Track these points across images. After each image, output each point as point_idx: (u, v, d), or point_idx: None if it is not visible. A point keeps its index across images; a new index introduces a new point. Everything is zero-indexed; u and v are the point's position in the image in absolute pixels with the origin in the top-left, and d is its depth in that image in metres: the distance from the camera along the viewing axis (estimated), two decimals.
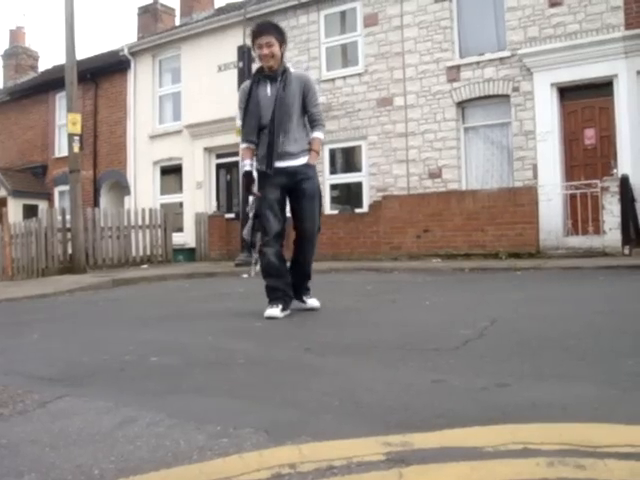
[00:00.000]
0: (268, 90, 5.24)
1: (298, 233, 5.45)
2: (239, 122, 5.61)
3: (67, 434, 2.24)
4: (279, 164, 5.22)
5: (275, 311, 5.11)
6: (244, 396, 2.67)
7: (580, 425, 2.03)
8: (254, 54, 5.50)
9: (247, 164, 5.36)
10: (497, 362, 3.12)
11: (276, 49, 5.21)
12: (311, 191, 5.37)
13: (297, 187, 5.32)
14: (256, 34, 5.27)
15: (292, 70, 5.38)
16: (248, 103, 5.29)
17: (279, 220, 5.30)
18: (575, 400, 2.37)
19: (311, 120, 5.41)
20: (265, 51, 5.18)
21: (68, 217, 13.86)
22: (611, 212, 11.36)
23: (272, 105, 5.19)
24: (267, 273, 5.32)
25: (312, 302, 5.50)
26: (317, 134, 5.43)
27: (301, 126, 5.37)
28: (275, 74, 5.25)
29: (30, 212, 19.94)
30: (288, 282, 5.35)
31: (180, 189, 19.56)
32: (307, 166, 5.34)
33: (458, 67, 14.60)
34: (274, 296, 5.24)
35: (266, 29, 5.29)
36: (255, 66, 5.87)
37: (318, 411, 2.38)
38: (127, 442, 2.11)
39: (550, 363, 3.05)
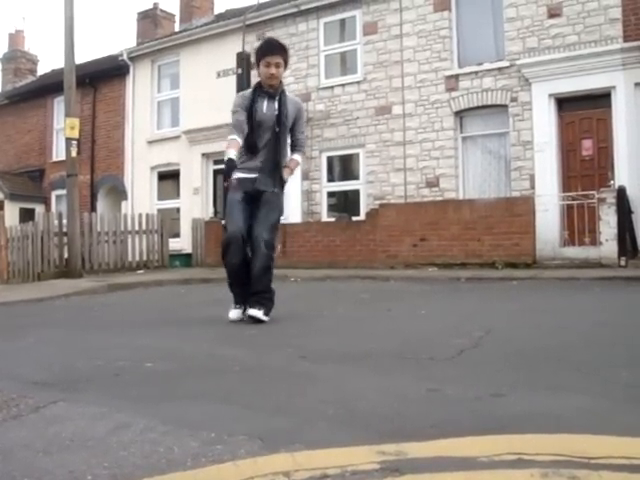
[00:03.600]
0: (265, 107, 5.37)
1: (252, 239, 5.37)
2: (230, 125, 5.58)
3: (60, 439, 2.23)
4: (249, 175, 5.36)
5: (237, 313, 5.41)
6: (239, 403, 2.67)
7: (574, 436, 2.03)
8: (257, 70, 5.51)
9: (232, 153, 5.30)
10: (492, 372, 3.12)
11: (282, 70, 5.38)
12: (273, 202, 5.43)
13: (259, 196, 5.39)
14: (268, 51, 5.36)
15: (287, 93, 5.57)
16: (250, 112, 5.34)
17: (245, 225, 5.34)
18: (570, 411, 2.37)
19: (295, 144, 5.64)
20: (273, 70, 5.30)
21: (65, 221, 13.83)
22: (608, 223, 11.37)
23: (272, 122, 5.34)
24: (231, 279, 5.50)
25: (253, 311, 5.23)
26: (296, 156, 5.67)
27: (286, 147, 5.58)
28: (275, 92, 5.39)
29: (27, 216, 19.90)
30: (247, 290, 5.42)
31: (177, 195, 19.55)
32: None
33: (457, 76, 14.64)
34: (237, 300, 5.48)
35: (278, 49, 5.42)
36: (254, 73, 5.89)
37: (312, 419, 2.37)
38: (121, 448, 2.11)
39: (545, 374, 3.05)
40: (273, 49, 5.41)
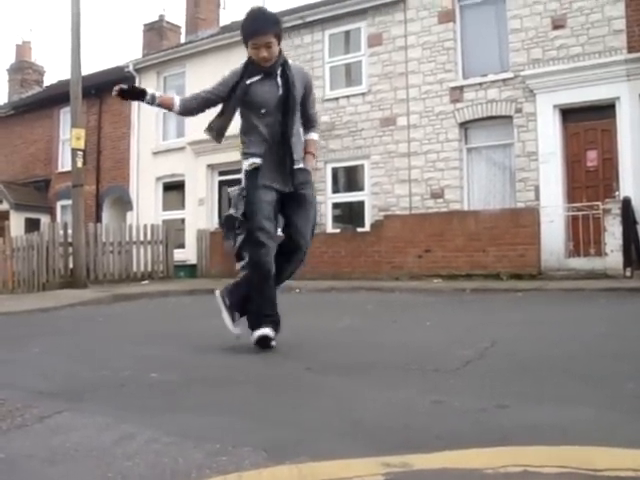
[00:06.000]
0: (266, 87, 4.49)
1: (289, 246, 4.60)
2: (209, 92, 4.67)
3: (65, 449, 2.23)
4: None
5: (268, 330, 4.36)
6: (243, 414, 2.66)
7: (581, 448, 2.02)
8: (246, 48, 4.54)
9: (152, 90, 4.65)
10: (497, 383, 3.11)
11: (275, 49, 4.42)
12: (311, 198, 4.69)
13: (294, 193, 4.57)
14: (253, 32, 4.39)
15: (290, 62, 4.63)
16: (233, 92, 4.51)
17: (275, 227, 4.54)
18: (576, 423, 2.36)
19: (307, 121, 4.79)
20: (264, 54, 4.37)
21: (70, 231, 13.87)
22: (613, 234, 11.35)
23: (274, 105, 4.49)
24: (260, 288, 4.49)
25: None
26: (314, 135, 4.86)
27: (297, 129, 4.68)
28: (272, 68, 4.47)
29: (32, 226, 19.94)
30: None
31: (182, 205, 19.58)
32: (304, 170, 4.66)
33: (461, 88, 14.66)
34: (270, 317, 4.46)
35: (265, 26, 4.38)
36: None
37: (318, 430, 2.37)
38: (125, 458, 2.10)
39: (550, 385, 3.04)
40: (260, 28, 4.38)
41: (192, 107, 4.70)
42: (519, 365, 3.56)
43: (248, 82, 4.50)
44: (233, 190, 4.84)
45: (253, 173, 4.57)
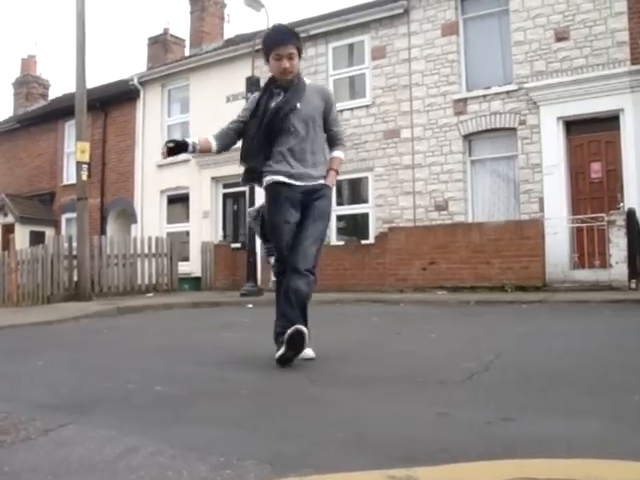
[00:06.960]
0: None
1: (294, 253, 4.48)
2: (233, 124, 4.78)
3: (69, 463, 2.23)
4: (298, 183, 4.52)
5: (310, 351, 4.37)
6: (248, 427, 2.65)
7: (586, 461, 2.01)
8: (267, 65, 4.69)
9: (191, 139, 4.63)
10: (502, 396, 3.10)
11: (296, 61, 4.55)
12: (322, 209, 4.61)
13: (309, 205, 4.56)
14: (278, 42, 4.52)
15: (308, 81, 4.74)
16: (254, 116, 4.62)
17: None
18: (581, 435, 2.35)
19: (332, 139, 4.79)
20: (286, 64, 4.47)
21: (75, 244, 13.90)
22: (617, 246, 11.32)
23: (295, 120, 4.53)
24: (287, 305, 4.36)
25: (307, 351, 4.39)
26: (338, 153, 4.79)
27: (321, 147, 4.68)
28: (290, 85, 4.58)
29: (37, 239, 19.99)
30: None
31: (187, 218, 19.60)
32: (324, 185, 4.63)
33: (465, 100, 14.68)
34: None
35: (288, 38, 4.54)
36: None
37: (322, 443, 2.36)
38: (129, 472, 2.10)
39: (556, 397, 3.03)
40: (284, 39, 4.51)
41: (226, 142, 4.73)
42: (524, 377, 3.55)
43: (270, 102, 4.58)
44: (251, 212, 4.95)
45: (271, 189, 4.57)
